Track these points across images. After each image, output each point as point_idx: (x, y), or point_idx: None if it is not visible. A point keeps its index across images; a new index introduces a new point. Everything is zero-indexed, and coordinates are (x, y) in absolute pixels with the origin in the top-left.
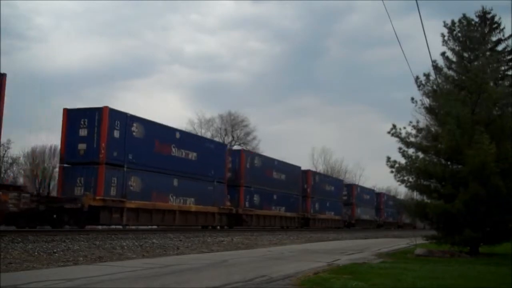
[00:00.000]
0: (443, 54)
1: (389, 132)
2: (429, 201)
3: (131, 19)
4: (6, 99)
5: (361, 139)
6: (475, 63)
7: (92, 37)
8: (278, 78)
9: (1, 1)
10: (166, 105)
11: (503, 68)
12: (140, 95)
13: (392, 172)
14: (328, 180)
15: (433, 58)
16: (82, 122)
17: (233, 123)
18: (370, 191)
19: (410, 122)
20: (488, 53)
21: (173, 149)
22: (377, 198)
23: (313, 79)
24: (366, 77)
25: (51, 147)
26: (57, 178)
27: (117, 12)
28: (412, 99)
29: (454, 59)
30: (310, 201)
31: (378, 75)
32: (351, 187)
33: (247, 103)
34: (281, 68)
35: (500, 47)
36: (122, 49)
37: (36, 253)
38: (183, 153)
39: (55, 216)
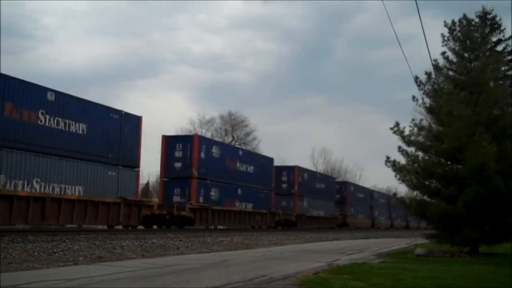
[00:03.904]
0: (443, 53)
1: (391, 129)
2: (430, 200)
3: (138, 19)
4: None
5: (363, 139)
6: (476, 63)
7: (98, 37)
8: (282, 78)
9: (7, 0)
10: (171, 105)
11: (503, 68)
12: (146, 95)
13: (395, 171)
14: (318, 177)
15: (434, 58)
16: None
17: (233, 123)
18: (365, 190)
19: (413, 120)
20: (488, 53)
21: (42, 117)
22: (372, 197)
23: (317, 79)
24: (370, 77)
25: None
26: None
27: (124, 12)
28: (413, 97)
29: (454, 59)
30: (297, 199)
31: (382, 75)
32: (344, 185)
33: (251, 103)
34: (286, 68)
35: (500, 47)
36: (128, 49)
37: (36, 253)
38: (62, 123)
39: None
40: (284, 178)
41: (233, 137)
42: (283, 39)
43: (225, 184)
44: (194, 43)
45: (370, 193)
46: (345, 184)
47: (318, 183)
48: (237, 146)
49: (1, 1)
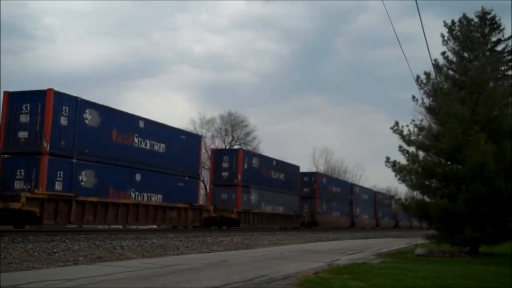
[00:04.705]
0: (443, 53)
1: (391, 128)
2: (430, 200)
3: (138, 19)
4: None
5: (363, 139)
6: (475, 63)
7: (98, 37)
8: (283, 78)
9: (7, 0)
10: (171, 105)
11: (503, 68)
12: (146, 95)
13: (395, 171)
14: (275, 165)
15: (434, 58)
16: None
17: (233, 123)
18: (342, 183)
19: (413, 120)
20: (487, 53)
21: None
22: (353, 192)
23: (317, 79)
24: (370, 77)
25: None
26: None
27: (124, 12)
28: (413, 97)
29: (454, 59)
30: (241, 191)
31: (382, 75)
32: (313, 176)
33: (251, 103)
34: (286, 68)
35: (499, 47)
36: (129, 49)
37: (36, 253)
38: None
39: None
40: (225, 165)
41: (233, 137)
42: (284, 39)
43: (111, 166)
44: (195, 43)
45: (349, 187)
46: (314, 175)
47: (274, 172)
48: (139, 115)
49: (1, 1)
